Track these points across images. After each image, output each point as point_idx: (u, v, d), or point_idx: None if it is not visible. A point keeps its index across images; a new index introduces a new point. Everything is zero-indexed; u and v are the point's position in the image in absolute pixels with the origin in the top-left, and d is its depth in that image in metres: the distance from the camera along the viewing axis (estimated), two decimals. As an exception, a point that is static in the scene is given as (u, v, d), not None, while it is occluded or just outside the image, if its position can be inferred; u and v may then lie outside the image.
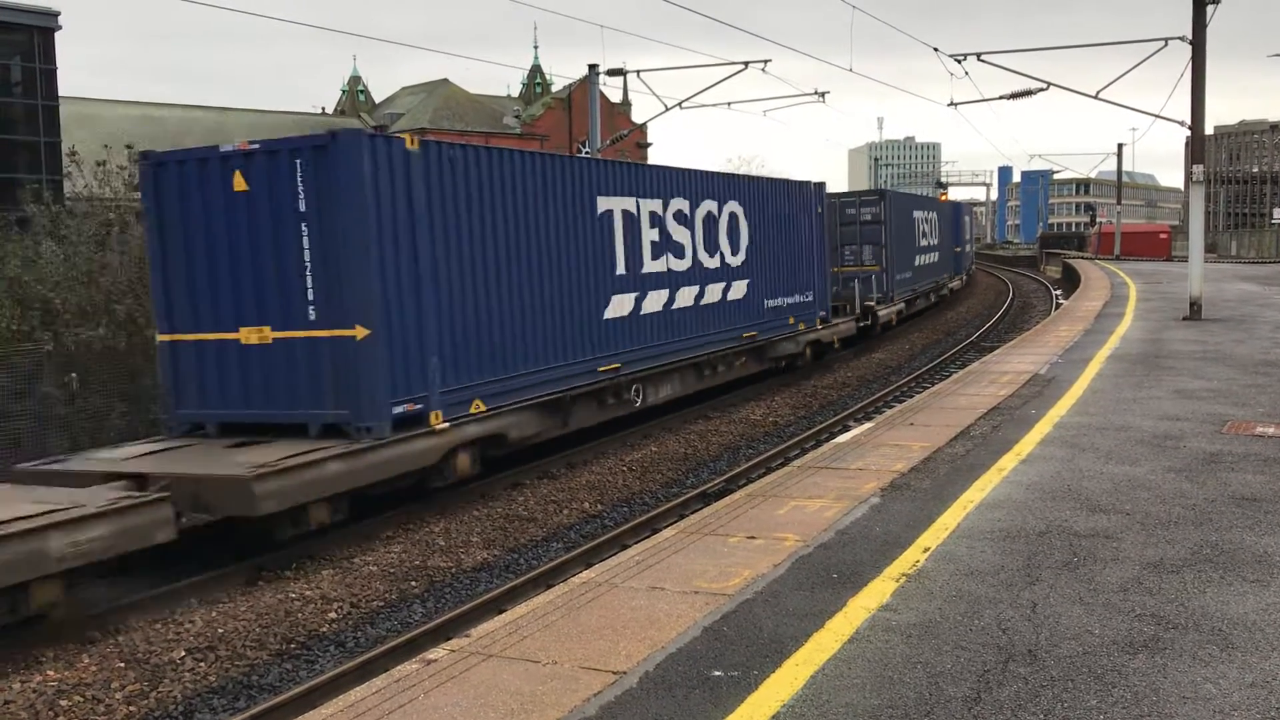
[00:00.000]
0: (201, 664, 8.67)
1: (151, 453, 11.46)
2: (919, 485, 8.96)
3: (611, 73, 31.12)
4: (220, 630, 9.26)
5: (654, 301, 17.07)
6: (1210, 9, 23.14)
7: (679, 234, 17.78)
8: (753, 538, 7.62)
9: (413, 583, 10.63)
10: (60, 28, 35.75)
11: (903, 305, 30.84)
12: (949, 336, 33.10)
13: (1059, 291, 45.95)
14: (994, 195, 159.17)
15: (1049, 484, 8.80)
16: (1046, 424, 11.44)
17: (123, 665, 8.56)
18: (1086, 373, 15.33)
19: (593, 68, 29.53)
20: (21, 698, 7.94)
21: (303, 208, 11.60)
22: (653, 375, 17.18)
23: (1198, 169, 24.53)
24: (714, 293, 19.15)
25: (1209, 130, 30.32)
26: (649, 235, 16.83)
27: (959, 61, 25.76)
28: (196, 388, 12.21)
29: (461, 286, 12.80)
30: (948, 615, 5.90)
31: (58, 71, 36.17)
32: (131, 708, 7.94)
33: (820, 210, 23.68)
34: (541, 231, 14.28)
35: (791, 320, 22.16)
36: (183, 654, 8.78)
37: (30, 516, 8.74)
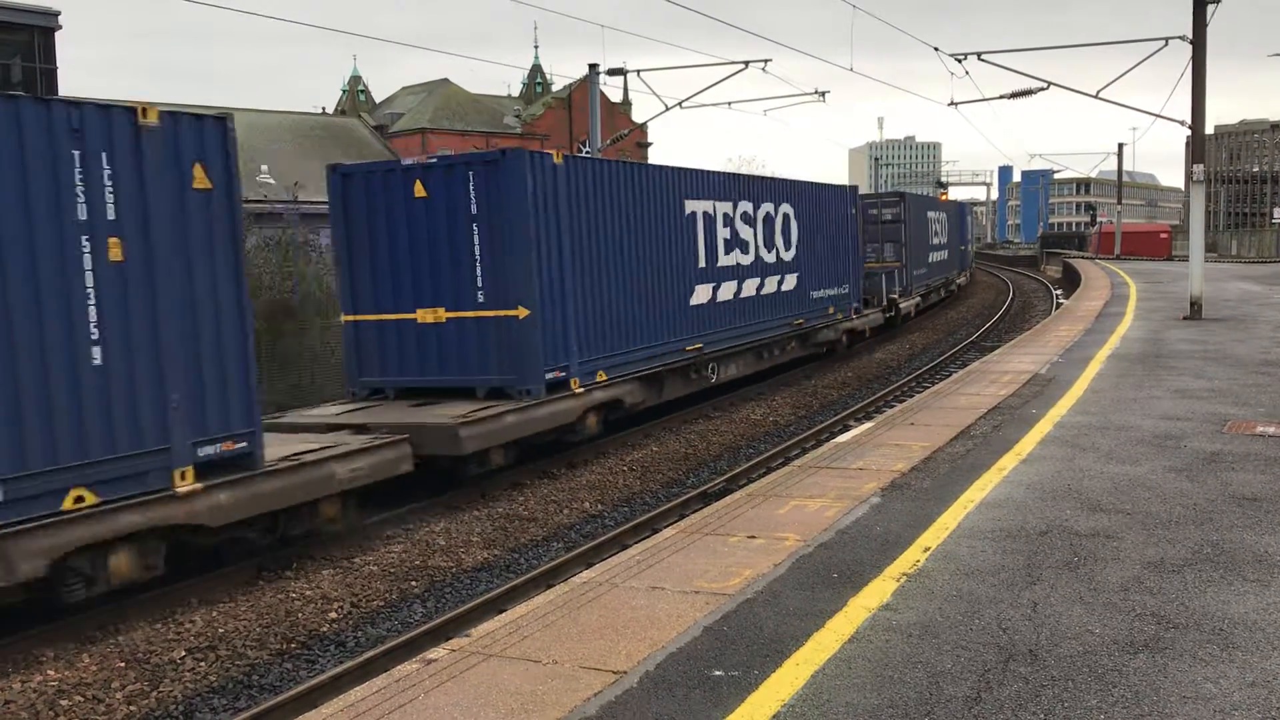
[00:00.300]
0: (202, 663, 8.67)
1: (353, 410, 14.00)
2: (919, 485, 8.96)
3: (612, 72, 31.12)
4: (221, 630, 9.26)
5: (726, 291, 19.63)
6: (1211, 8, 23.14)
7: (745, 232, 20.38)
8: (753, 537, 7.62)
9: (413, 582, 10.63)
10: (60, 27, 35.75)
11: (919, 299, 32.66)
12: (949, 336, 33.10)
13: (1059, 291, 45.96)
14: (994, 195, 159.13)
15: (1050, 483, 8.80)
16: (1047, 423, 11.44)
17: (123, 665, 8.56)
18: (1087, 372, 15.33)
19: (593, 67, 29.54)
20: (22, 697, 7.94)
21: (474, 211, 14.09)
22: (724, 355, 19.69)
23: (1198, 168, 24.53)
24: (771, 284, 21.68)
25: (1209, 130, 30.33)
26: (722, 234, 19.46)
27: (959, 61, 25.76)
28: (378, 359, 14.75)
29: (590, 276, 15.37)
30: (948, 615, 5.90)
31: (58, 71, 36.19)
32: (132, 707, 7.95)
33: (854, 211, 25.86)
34: (646, 230, 16.93)
35: (831, 310, 24.50)
36: (183, 654, 8.79)
37: (317, 449, 11.25)
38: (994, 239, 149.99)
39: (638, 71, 29.68)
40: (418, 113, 65.69)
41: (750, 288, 20.59)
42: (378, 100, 77.31)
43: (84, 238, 8.87)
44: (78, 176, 8.86)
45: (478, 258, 14.14)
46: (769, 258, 21.35)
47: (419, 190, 14.28)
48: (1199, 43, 23.30)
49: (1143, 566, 6.64)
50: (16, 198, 8.43)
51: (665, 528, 9.44)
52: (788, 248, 22.31)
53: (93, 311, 8.94)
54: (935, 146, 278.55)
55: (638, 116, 72.58)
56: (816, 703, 4.88)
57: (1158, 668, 5.13)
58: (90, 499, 8.89)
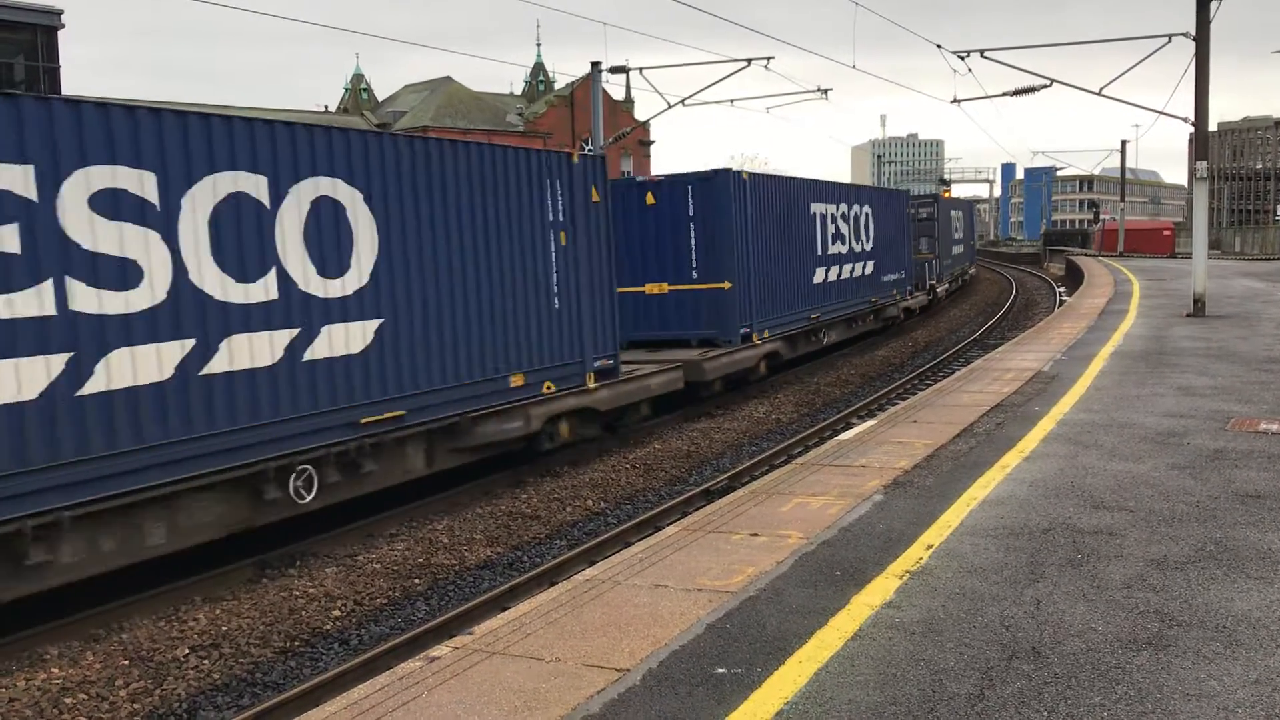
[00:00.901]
0: (205, 661, 8.68)
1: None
2: (922, 482, 8.96)
3: (614, 70, 31.09)
4: (224, 628, 9.27)
5: (832, 274, 25.16)
6: (1214, 5, 23.10)
7: (843, 228, 26.02)
8: (756, 535, 7.62)
9: (416, 580, 10.63)
10: (63, 26, 35.77)
11: (948, 284, 37.51)
12: (952, 334, 33.08)
13: (1062, 288, 45.94)
14: (997, 192, 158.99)
15: (1052, 481, 8.80)
16: (1050, 421, 11.43)
17: (127, 663, 8.57)
18: (1090, 370, 15.32)
19: (595, 65, 29.51)
20: (26, 695, 7.95)
21: (692, 213, 19.96)
22: (831, 324, 25.23)
23: (1201, 165, 24.49)
24: (858, 269, 27.55)
25: (1213, 127, 30.30)
26: (829, 229, 24.93)
27: (962, 58, 25.71)
28: (630, 320, 19.68)
29: (759, 259, 21.06)
30: (951, 612, 5.90)
31: (61, 70, 36.21)
32: (136, 705, 7.96)
33: (909, 210, 32.10)
34: (790, 225, 22.76)
35: (894, 292, 30.16)
36: (187, 651, 8.80)
37: (641, 364, 17.75)
38: (997, 236, 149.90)
39: (640, 69, 29.64)
40: (420, 111, 65.68)
41: (846, 271, 26.24)
42: (380, 98, 77.30)
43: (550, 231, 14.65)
44: (547, 194, 14.61)
45: (693, 247, 19.96)
46: (858, 247, 27.00)
47: (649, 199, 20.03)
48: (1202, 39, 23.26)
49: (1146, 564, 6.63)
50: (520, 206, 14.02)
51: (668, 525, 9.44)
52: (868, 240, 28.08)
53: (555, 276, 14.69)
54: (938, 144, 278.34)
55: (640, 114, 72.56)
56: (819, 700, 4.88)
57: (1161, 665, 5.12)
58: (552, 388, 14.70)
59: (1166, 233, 77.64)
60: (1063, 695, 4.83)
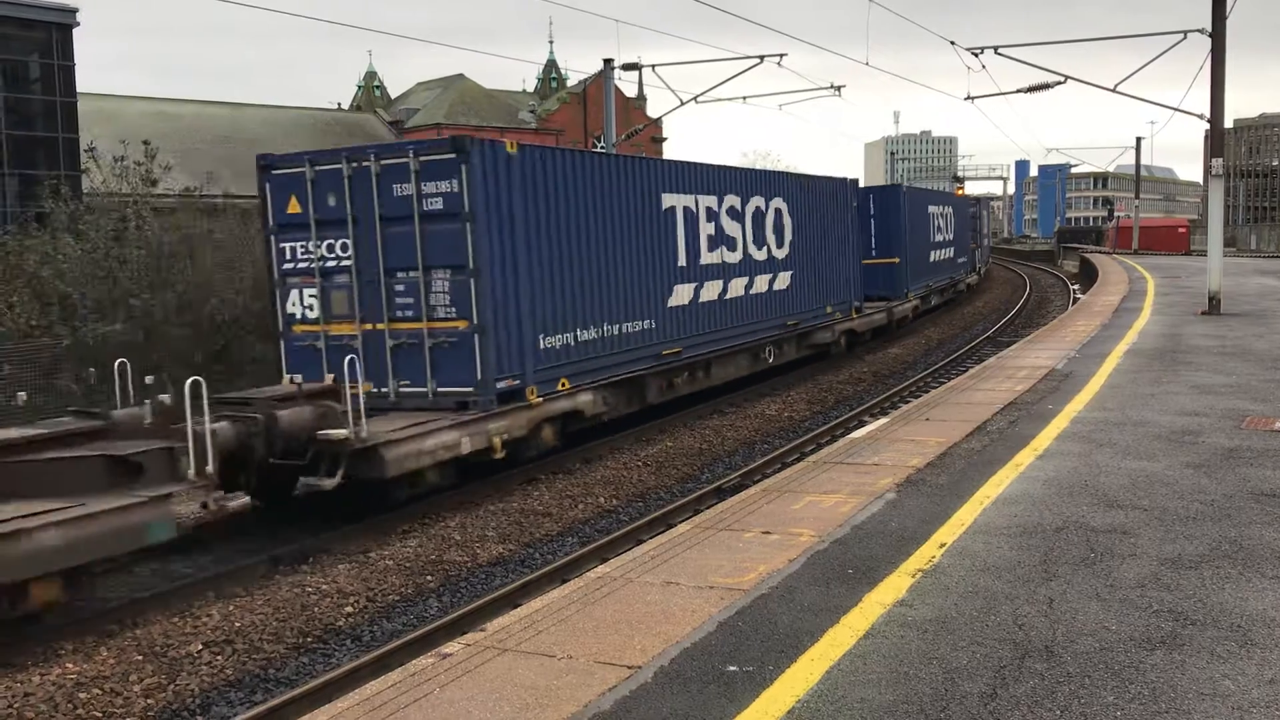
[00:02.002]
0: (219, 657, 8.71)
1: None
2: (935, 481, 8.93)
3: (627, 67, 31.10)
4: (237, 624, 9.31)
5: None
6: (1230, 1, 22.97)
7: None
8: (768, 533, 7.61)
9: (429, 577, 10.66)
10: (78, 24, 35.89)
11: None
12: (965, 331, 32.98)
13: (1076, 286, 45.75)
14: (1011, 189, 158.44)
15: (1066, 479, 8.76)
16: (1064, 419, 11.39)
17: (141, 658, 8.61)
18: (1104, 368, 15.26)
19: (608, 62, 29.52)
20: (41, 690, 8.00)
21: (873, 211, 29.43)
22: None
23: (1217, 162, 24.36)
24: (947, 253, 37.71)
25: (1228, 123, 30.15)
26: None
27: (976, 55, 25.62)
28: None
29: (909, 247, 30.56)
30: (964, 611, 5.88)
31: (75, 68, 36.34)
32: (149, 700, 7.99)
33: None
34: (922, 224, 32.76)
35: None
36: (200, 647, 8.83)
37: (873, 311, 27.80)
38: (1011, 234, 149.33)
39: (653, 66, 29.68)
40: (434, 108, 65.74)
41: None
42: (393, 96, 77.36)
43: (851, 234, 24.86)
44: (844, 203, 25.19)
45: (873, 233, 29.20)
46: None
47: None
48: (1218, 35, 23.13)
49: (1160, 563, 6.60)
50: (834, 212, 24.85)
51: (680, 523, 9.44)
52: (949, 232, 34.62)
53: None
54: (951, 141, 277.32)
55: (653, 111, 72.45)
56: (831, 699, 4.88)
57: (1175, 664, 5.10)
58: (838, 315, 24.79)
59: (1181, 230, 77.23)
60: (1076, 694, 4.81)
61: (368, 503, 12.04)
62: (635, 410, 16.98)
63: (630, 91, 69.18)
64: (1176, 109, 26.28)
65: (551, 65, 77.78)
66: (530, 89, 77.82)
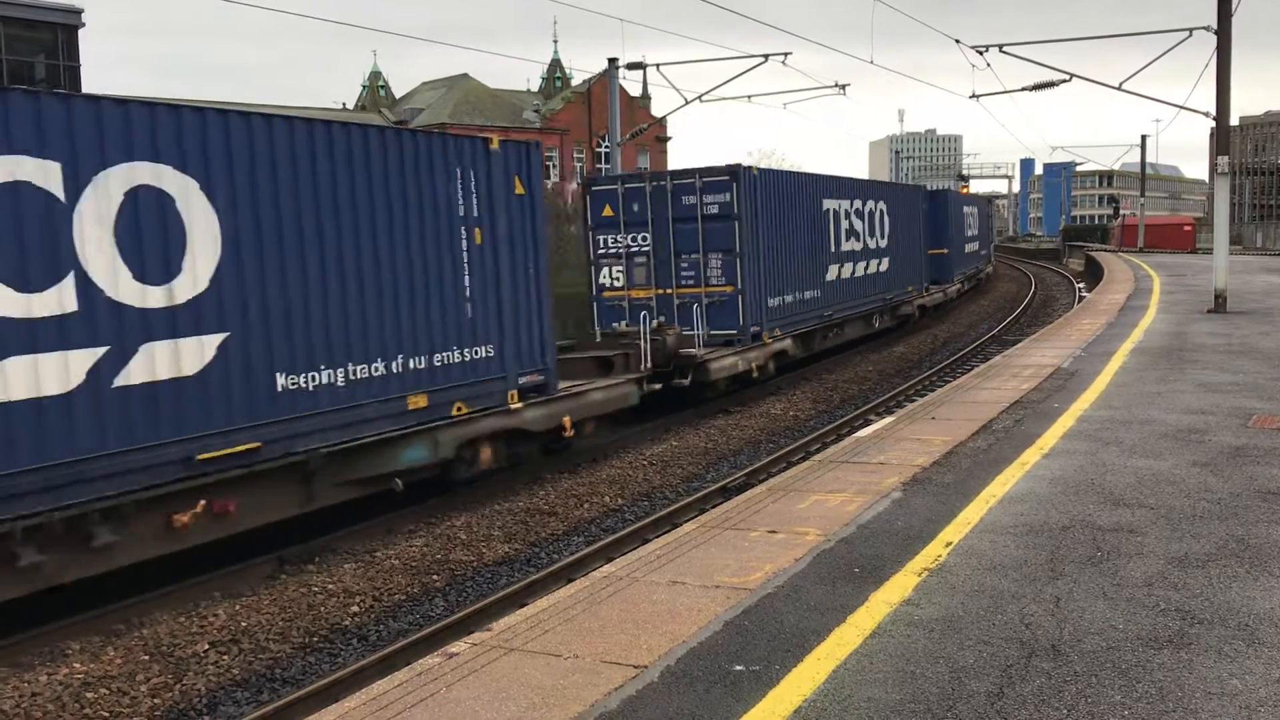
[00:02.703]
0: (225, 657, 8.72)
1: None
2: (941, 479, 8.93)
3: (631, 66, 31.04)
4: (243, 623, 9.32)
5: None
6: (1235, -2, 22.91)
7: (969, 220, 36.55)
8: (774, 532, 7.60)
9: (434, 576, 10.66)
10: (84, 24, 35.97)
11: (960, 284, 41.73)
12: (971, 330, 32.94)
13: (1082, 284, 45.67)
14: (1016, 188, 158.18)
15: (1072, 478, 8.75)
16: (1069, 418, 11.38)
17: (147, 658, 8.62)
18: (1110, 366, 15.23)
19: (612, 61, 29.49)
20: (48, 690, 8.01)
21: (925, 210, 33.11)
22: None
23: (1222, 160, 24.30)
24: (974, 246, 43.65)
25: (1234, 121, 30.10)
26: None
27: (980, 53, 25.58)
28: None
29: (958, 239, 35.84)
30: (970, 610, 5.87)
31: (81, 68, 36.40)
32: (156, 700, 8.01)
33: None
34: (959, 222, 36.46)
35: (984, 264, 38.72)
36: (206, 647, 8.85)
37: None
38: (1016, 232, 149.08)
39: (657, 65, 29.62)
40: (438, 107, 65.78)
41: (968, 247, 36.80)
42: (398, 95, 77.40)
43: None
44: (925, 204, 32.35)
45: (925, 229, 32.71)
46: (972, 233, 38.20)
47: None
48: (1224, 33, 23.08)
49: (1166, 561, 6.59)
50: (910, 218, 30.84)
51: (685, 522, 9.44)
52: (976, 229, 36.26)
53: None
54: (956, 139, 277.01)
55: (657, 110, 72.43)
56: (838, 698, 4.87)
57: (1182, 663, 5.09)
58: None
59: (1187, 228, 77.06)
60: (1083, 694, 4.81)
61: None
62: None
63: (635, 91, 69.20)
64: (1182, 107, 26.22)
65: (556, 65, 77.76)
66: (534, 88, 77.82)
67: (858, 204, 26.11)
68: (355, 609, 9.79)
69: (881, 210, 28.07)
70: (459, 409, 12.42)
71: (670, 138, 73.00)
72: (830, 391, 21.44)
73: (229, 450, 9.87)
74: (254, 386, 10.10)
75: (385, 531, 11.89)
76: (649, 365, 16.72)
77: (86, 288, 8.79)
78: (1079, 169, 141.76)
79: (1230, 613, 5.71)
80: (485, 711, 4.92)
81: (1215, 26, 23.13)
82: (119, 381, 9.01)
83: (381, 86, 78.07)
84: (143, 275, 9.22)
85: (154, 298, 9.29)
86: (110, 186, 9.01)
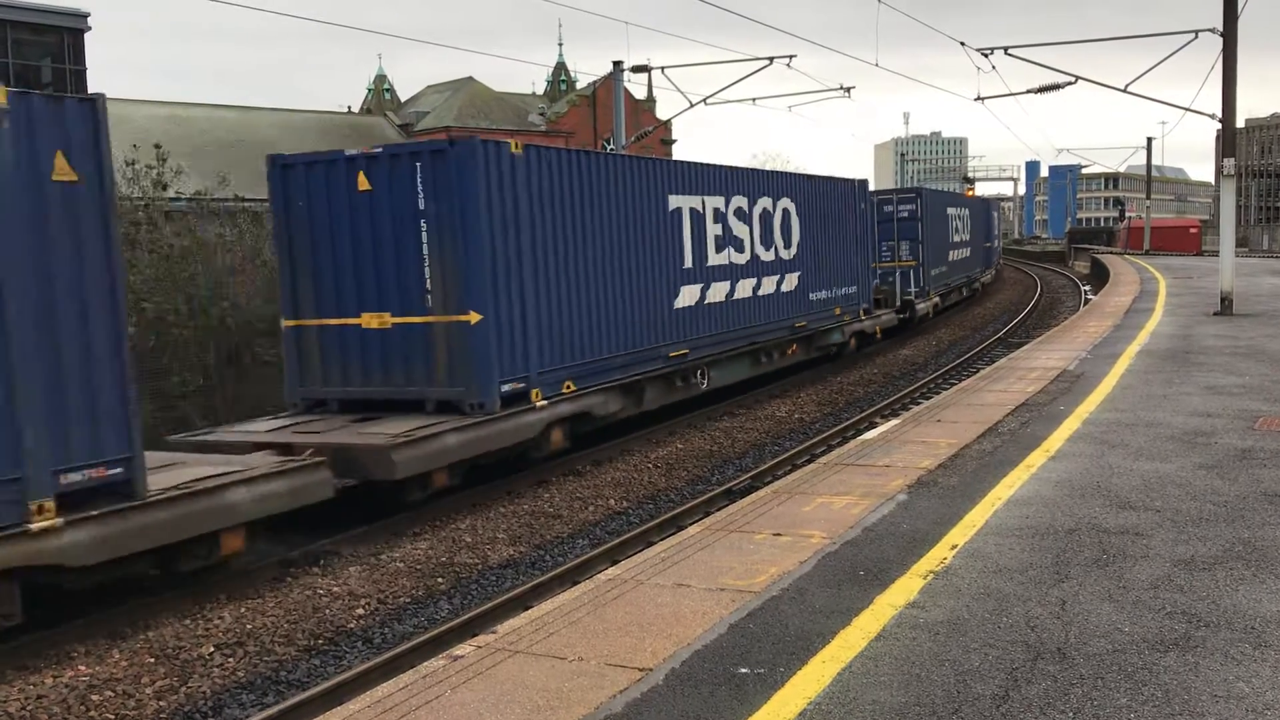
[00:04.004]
0: (230, 659, 8.73)
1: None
2: (946, 482, 8.91)
3: (636, 69, 31.06)
4: (249, 626, 9.32)
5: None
6: (1241, 0, 22.89)
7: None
8: (779, 535, 7.60)
9: (439, 579, 10.66)
10: (90, 28, 36.05)
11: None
12: (976, 332, 32.91)
13: (1087, 287, 45.60)
14: (1021, 190, 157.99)
15: (1078, 481, 8.73)
16: (1075, 420, 11.36)
17: (153, 660, 8.63)
18: (1116, 368, 15.20)
19: (617, 64, 29.51)
20: (54, 692, 8.02)
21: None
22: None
23: (1228, 162, 24.26)
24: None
25: (1240, 123, 30.07)
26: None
27: (986, 55, 25.57)
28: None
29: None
30: (976, 613, 5.86)
31: (87, 72, 36.48)
32: (161, 703, 8.01)
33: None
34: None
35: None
36: (212, 649, 8.85)
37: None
38: (1021, 234, 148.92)
39: (662, 68, 29.65)
40: (443, 110, 65.86)
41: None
42: (403, 98, 77.48)
43: None
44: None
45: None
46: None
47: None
48: (1230, 35, 23.04)
49: (1173, 564, 6.57)
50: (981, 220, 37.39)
51: (690, 525, 9.43)
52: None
53: None
54: (962, 141, 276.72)
55: (662, 113, 72.49)
56: (843, 701, 4.86)
57: (1189, 666, 5.08)
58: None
59: (1193, 230, 76.91)
60: (1089, 697, 4.79)
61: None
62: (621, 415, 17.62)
63: (640, 94, 69.22)
64: (1188, 109, 26.20)
65: (561, 68, 77.84)
66: (539, 91, 77.89)
67: (739, 202, 19.36)
68: (360, 611, 9.79)
69: (787, 211, 21.40)
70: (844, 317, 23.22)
71: (675, 140, 73.00)
72: (835, 394, 21.42)
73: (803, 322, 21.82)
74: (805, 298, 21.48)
75: (390, 534, 11.89)
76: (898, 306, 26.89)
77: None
78: (1084, 171, 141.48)
79: (1237, 616, 5.69)
80: (490, 714, 4.92)
81: (1221, 28, 23.09)
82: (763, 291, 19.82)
83: (387, 90, 78.18)
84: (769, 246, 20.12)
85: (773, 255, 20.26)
86: (755, 208, 20.04)
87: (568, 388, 14.39)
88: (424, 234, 12.98)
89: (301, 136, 48.65)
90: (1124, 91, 25.31)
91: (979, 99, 29.57)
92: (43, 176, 8.51)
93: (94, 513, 8.75)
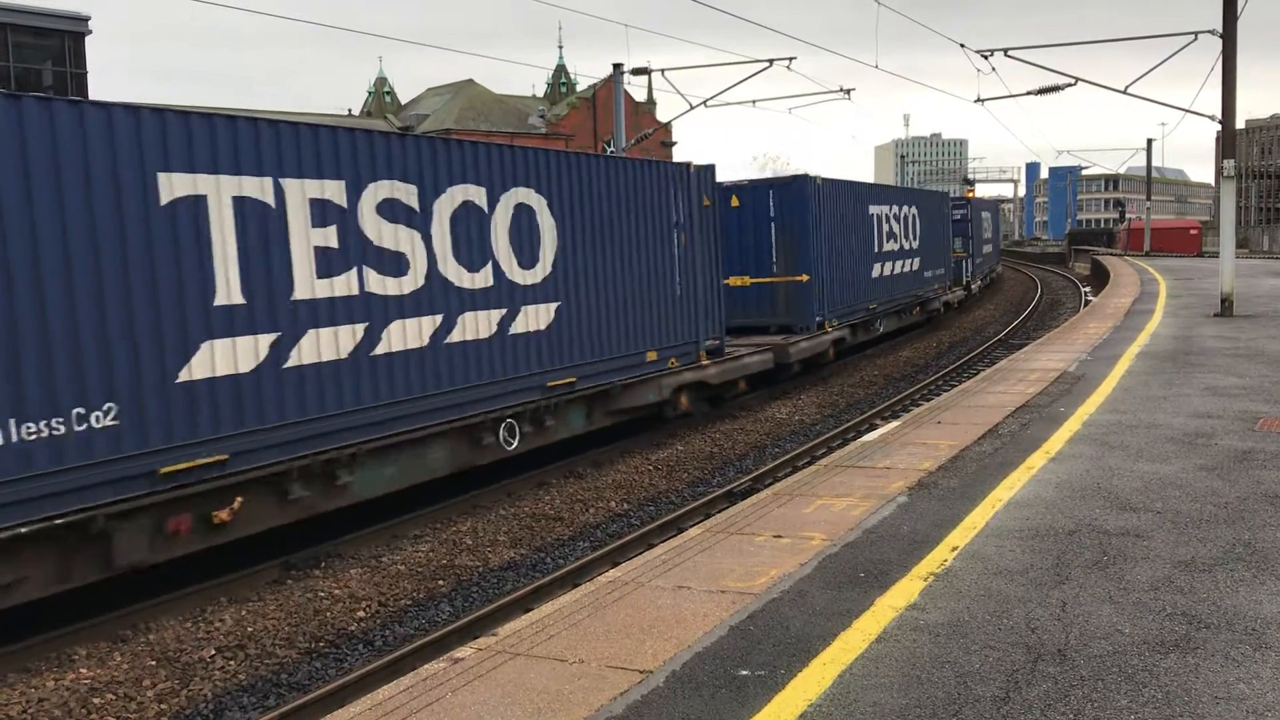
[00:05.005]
0: (231, 662, 8.74)
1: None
2: (947, 484, 8.92)
3: (636, 71, 31.06)
4: (250, 629, 9.33)
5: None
6: (1241, 2, 22.91)
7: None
8: (779, 537, 7.60)
9: (440, 582, 10.67)
10: (91, 31, 36.08)
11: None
12: (976, 334, 32.91)
13: (1088, 288, 45.61)
14: (1022, 192, 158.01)
15: (1079, 482, 8.74)
16: (1076, 422, 11.36)
17: (154, 663, 8.64)
18: (1116, 370, 15.21)
19: (617, 67, 29.52)
20: (55, 695, 8.03)
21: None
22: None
23: (1228, 164, 24.27)
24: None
25: (1240, 124, 30.08)
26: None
27: (986, 57, 25.58)
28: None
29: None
30: (976, 614, 5.87)
31: (88, 75, 36.53)
32: (163, 705, 8.02)
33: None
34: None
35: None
36: (213, 652, 8.86)
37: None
38: (1021, 236, 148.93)
39: (662, 71, 29.62)
40: (443, 113, 65.94)
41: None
42: (403, 101, 77.56)
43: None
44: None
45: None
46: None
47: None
48: (1229, 36, 23.06)
49: (1173, 566, 6.58)
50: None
51: (691, 527, 9.44)
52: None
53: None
54: (962, 143, 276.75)
55: (662, 115, 72.57)
56: (844, 703, 4.87)
57: (1189, 668, 5.08)
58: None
59: (1193, 231, 76.92)
60: (1089, 698, 4.80)
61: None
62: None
63: (640, 96, 69.32)
64: (1187, 110, 26.21)
65: (561, 70, 77.93)
66: (539, 94, 77.97)
67: (896, 209, 28.57)
68: (361, 614, 9.80)
69: (914, 215, 30.52)
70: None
71: (676, 143, 73.07)
72: (836, 396, 21.42)
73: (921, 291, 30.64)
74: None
75: (391, 536, 11.90)
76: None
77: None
78: (1084, 173, 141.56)
79: (1237, 617, 5.70)
80: (490, 717, 4.92)
81: (1221, 30, 23.11)
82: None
83: (387, 93, 78.23)
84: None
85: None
86: (903, 212, 28.32)
87: (834, 325, 23.27)
88: (773, 230, 22.21)
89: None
90: (1124, 93, 25.34)
91: (979, 100, 29.60)
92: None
93: (715, 360, 18.04)
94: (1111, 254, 64.54)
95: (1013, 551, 6.96)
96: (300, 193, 10.65)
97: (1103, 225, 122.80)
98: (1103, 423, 11.27)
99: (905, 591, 6.29)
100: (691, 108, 30.03)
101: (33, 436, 8.36)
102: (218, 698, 8.20)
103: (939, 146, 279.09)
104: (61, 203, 8.64)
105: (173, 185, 9.49)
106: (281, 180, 10.46)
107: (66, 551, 8.80)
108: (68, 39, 35.16)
